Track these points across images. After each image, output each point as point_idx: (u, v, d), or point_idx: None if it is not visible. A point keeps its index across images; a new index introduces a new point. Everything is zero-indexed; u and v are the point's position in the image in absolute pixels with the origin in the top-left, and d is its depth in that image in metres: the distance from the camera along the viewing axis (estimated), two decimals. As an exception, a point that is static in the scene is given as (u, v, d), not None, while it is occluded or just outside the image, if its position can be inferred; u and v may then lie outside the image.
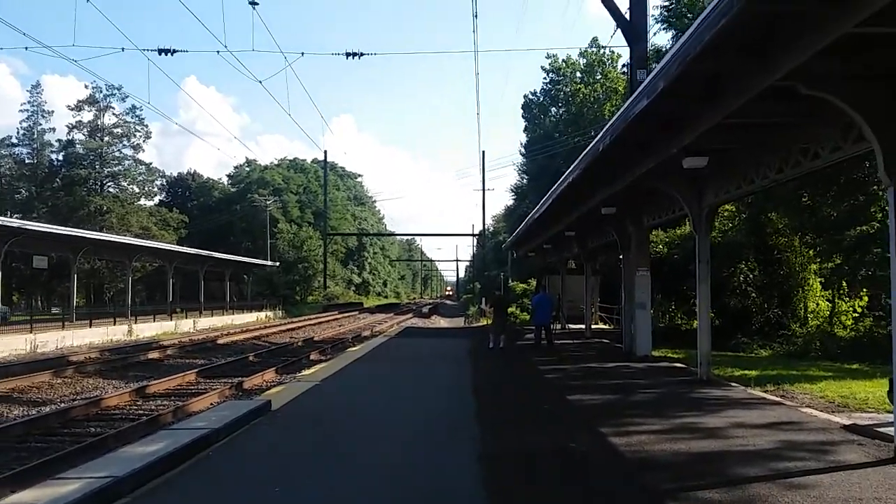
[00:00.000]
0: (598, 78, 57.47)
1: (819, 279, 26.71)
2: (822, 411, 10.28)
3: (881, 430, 8.25)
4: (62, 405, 13.63)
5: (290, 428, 9.02)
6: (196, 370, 18.24)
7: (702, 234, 13.56)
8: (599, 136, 12.52)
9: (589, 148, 13.49)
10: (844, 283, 25.46)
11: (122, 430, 10.62)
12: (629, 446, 7.84)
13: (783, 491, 6.07)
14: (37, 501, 5.50)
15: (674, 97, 8.90)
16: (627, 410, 10.41)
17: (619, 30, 19.59)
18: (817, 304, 26.38)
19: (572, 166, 15.48)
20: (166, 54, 24.49)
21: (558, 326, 28.37)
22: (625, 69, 40.12)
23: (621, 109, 11.10)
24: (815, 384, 13.28)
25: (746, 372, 15.43)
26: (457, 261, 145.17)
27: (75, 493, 5.56)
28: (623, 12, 19.31)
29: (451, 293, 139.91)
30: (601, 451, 7.72)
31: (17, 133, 74.62)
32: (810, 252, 25.86)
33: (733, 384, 13.16)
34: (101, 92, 71.80)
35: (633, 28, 19.20)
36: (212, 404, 13.20)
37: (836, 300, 25.92)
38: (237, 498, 6.13)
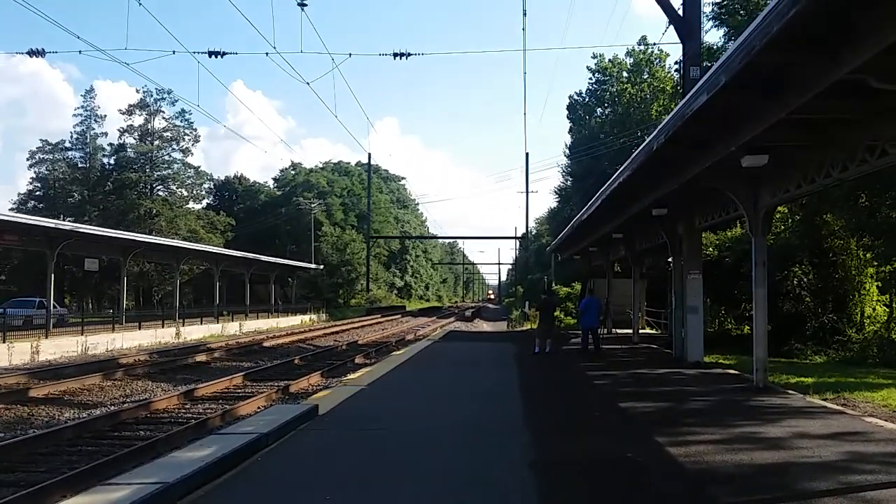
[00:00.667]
0: (645, 77, 56.66)
1: (876, 283, 25.94)
2: (887, 421, 9.88)
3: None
4: (112, 408, 13.77)
5: (338, 433, 8.90)
6: (243, 373, 18.32)
7: (758, 235, 13.12)
8: (653, 134, 12.22)
9: (641, 147, 13.19)
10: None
11: (171, 433, 10.65)
12: (688, 457, 7.55)
13: (857, 507, 5.77)
14: (88, 507, 5.47)
15: (736, 92, 8.59)
16: (682, 419, 10.09)
17: (671, 26, 19.13)
18: (874, 309, 25.65)
19: (623, 166, 15.16)
20: (216, 56, 24.72)
21: (605, 331, 27.93)
22: (675, 67, 39.44)
23: (678, 107, 10.77)
24: (877, 392, 12.83)
25: (802, 379, 14.98)
26: (499, 264, 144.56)
27: (126, 500, 5.50)
28: (676, 8, 18.85)
29: (492, 297, 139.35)
30: (659, 462, 7.44)
31: (71, 137, 76.50)
32: (868, 255, 25.09)
33: (790, 392, 12.75)
34: (151, 96, 73.31)
35: (685, 24, 18.67)
36: (259, 408, 13.19)
37: (895, 305, 25.18)
38: (287, 506, 6.02)
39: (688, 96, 9.88)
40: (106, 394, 15.96)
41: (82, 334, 27.68)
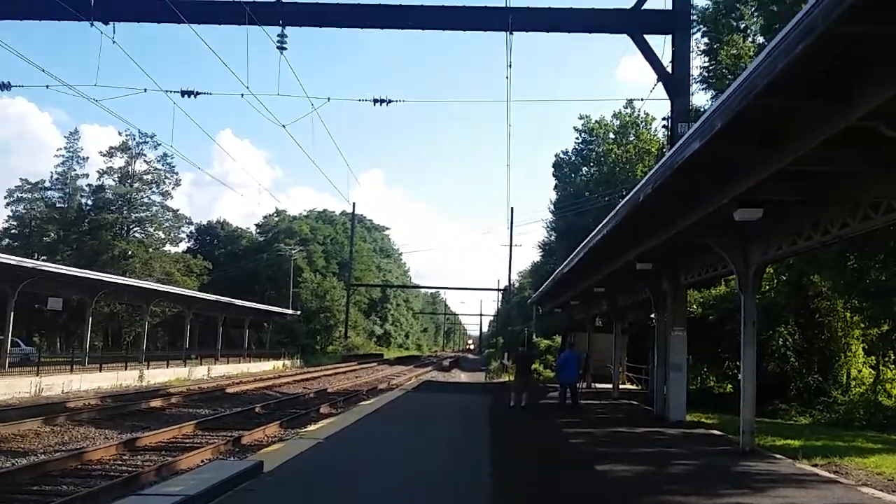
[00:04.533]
0: (630, 139, 57.22)
1: (862, 345, 25.46)
2: (882, 491, 9.11)
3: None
4: (42, 457, 12.58)
5: (278, 496, 7.90)
6: (196, 421, 17.15)
7: (748, 293, 12.45)
8: (640, 184, 11.56)
9: (627, 198, 12.56)
10: (891, 351, 24.21)
11: (93, 490, 9.52)
12: (670, 534, 6.62)
13: None
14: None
15: (730, 139, 7.94)
16: (665, 486, 9.15)
17: (659, 83, 18.92)
18: (860, 371, 25.16)
19: (607, 218, 14.53)
20: (190, 96, 24.05)
21: (584, 385, 27.04)
22: (662, 127, 39.28)
23: (667, 155, 10.09)
24: (868, 458, 12.09)
25: (789, 441, 14.26)
26: (480, 315, 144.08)
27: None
28: (665, 65, 18.62)
29: (472, 347, 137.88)
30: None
31: (51, 177, 75.26)
32: (855, 317, 24.59)
33: (778, 456, 11.88)
34: (133, 139, 72.53)
35: (674, 81, 18.54)
36: (203, 461, 12.09)
37: (881, 367, 24.66)
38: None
39: (678, 144, 9.21)
40: (41, 441, 14.66)
41: (38, 375, 26.34)
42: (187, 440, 15.08)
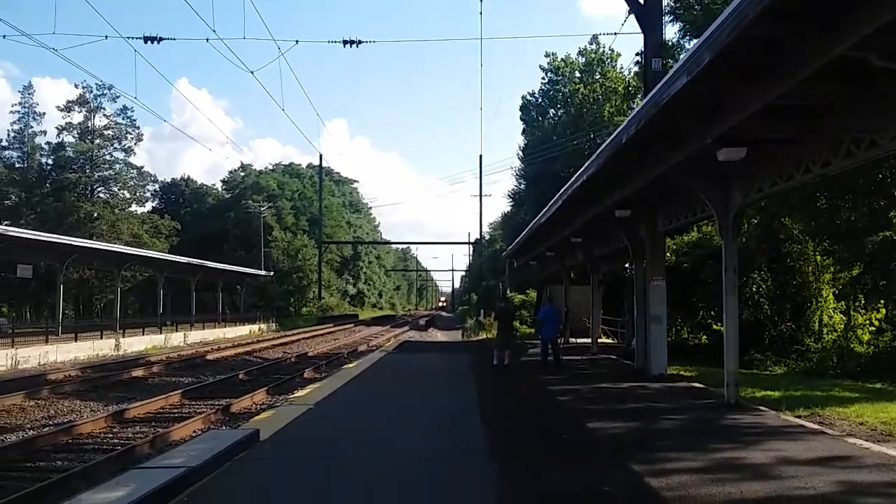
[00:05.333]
0: (597, 78, 56.33)
1: (833, 290, 25.70)
2: (868, 441, 9.31)
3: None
4: (31, 432, 12.48)
5: (280, 463, 7.92)
6: (181, 391, 17.12)
7: (729, 238, 12.35)
8: (622, 126, 11.25)
9: (609, 140, 12.22)
10: (861, 296, 24.50)
11: (89, 465, 9.47)
12: (671, 490, 6.75)
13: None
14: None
15: (718, 74, 7.77)
16: (657, 442, 9.30)
17: (631, 15, 18.40)
18: (831, 318, 25.41)
19: (588, 162, 14.21)
20: (152, 42, 23.37)
21: (562, 340, 27.27)
22: (635, 64, 38.53)
23: (651, 93, 9.80)
24: (848, 407, 12.38)
25: (769, 392, 14.51)
26: (452, 270, 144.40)
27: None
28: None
29: (445, 304, 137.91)
30: (641, 497, 6.64)
31: (7, 136, 72.89)
32: (826, 260, 24.80)
33: (762, 408, 12.11)
34: (91, 92, 70.23)
35: (647, 14, 18.02)
36: (195, 431, 12.10)
37: (852, 313, 24.92)
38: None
39: (663, 80, 8.94)
40: (27, 416, 14.56)
41: (13, 346, 26.00)
42: (175, 410, 15.07)
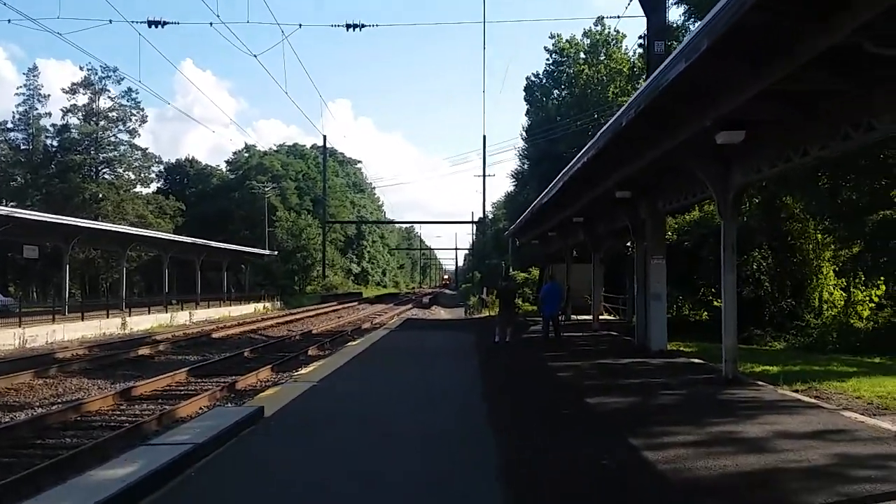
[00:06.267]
0: (601, 59, 56.21)
1: (833, 267, 25.84)
2: (863, 414, 9.47)
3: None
4: (39, 410, 12.69)
5: (285, 440, 8.10)
6: (187, 368, 17.34)
7: (728, 218, 12.46)
8: (622, 109, 11.40)
9: (609, 123, 12.37)
10: (861, 273, 24.60)
11: (98, 442, 9.67)
12: (668, 462, 6.91)
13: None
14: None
15: (717, 59, 7.84)
16: (655, 416, 9.48)
17: None
18: (831, 294, 25.55)
19: (588, 144, 14.36)
20: (156, 27, 23.43)
21: (563, 317, 27.45)
22: (636, 47, 38.48)
23: (651, 77, 9.95)
24: (845, 382, 12.48)
25: (768, 368, 14.61)
26: (455, 249, 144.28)
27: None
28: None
29: (448, 282, 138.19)
30: (638, 470, 6.78)
31: (13, 118, 73.18)
32: (827, 238, 24.93)
33: (760, 383, 12.29)
34: (96, 74, 70.44)
35: None
36: (201, 409, 12.29)
37: (852, 289, 25.07)
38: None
39: (662, 65, 9.03)
40: (35, 394, 14.78)
41: (20, 326, 26.24)
42: (181, 388, 15.27)
